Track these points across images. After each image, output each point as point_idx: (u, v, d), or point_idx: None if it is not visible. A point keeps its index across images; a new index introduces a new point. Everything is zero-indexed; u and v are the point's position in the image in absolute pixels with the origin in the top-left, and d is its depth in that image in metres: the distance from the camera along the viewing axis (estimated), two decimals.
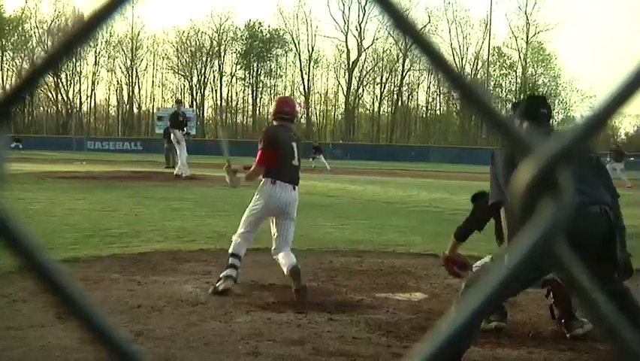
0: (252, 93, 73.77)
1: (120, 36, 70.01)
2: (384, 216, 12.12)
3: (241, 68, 72.39)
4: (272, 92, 72.58)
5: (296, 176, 6.23)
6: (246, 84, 73.83)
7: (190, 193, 15.09)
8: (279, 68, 73.60)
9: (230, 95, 74.18)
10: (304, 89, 72.56)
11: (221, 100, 72.75)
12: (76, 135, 53.98)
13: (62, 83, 70.03)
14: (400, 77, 70.58)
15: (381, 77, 71.75)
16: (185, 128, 19.96)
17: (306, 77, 72.70)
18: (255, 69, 72.51)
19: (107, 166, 25.24)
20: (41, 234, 8.64)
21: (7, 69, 69.43)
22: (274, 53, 72.21)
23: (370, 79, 72.29)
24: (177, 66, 71.45)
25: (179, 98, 23.16)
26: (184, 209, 11.96)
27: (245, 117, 75.79)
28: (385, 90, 72.35)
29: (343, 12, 72.37)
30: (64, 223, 9.61)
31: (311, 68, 72.69)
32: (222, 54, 71.17)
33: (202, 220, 10.42)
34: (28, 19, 69.83)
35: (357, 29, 70.83)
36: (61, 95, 70.91)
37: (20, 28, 68.86)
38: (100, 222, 9.80)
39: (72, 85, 71.93)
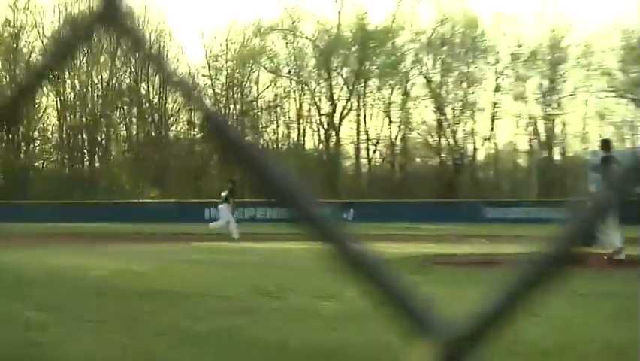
0: None
1: (535, 45, 70.61)
2: None
3: None
4: None
5: None
6: None
7: None
8: None
9: None
10: None
11: None
12: (466, 198, 56.78)
13: (448, 121, 72.67)
14: None
15: None
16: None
17: None
18: None
19: (515, 245, 25.21)
20: None
21: (373, 101, 75.08)
22: None
23: None
24: (619, 85, 68.88)
25: (608, 138, 22.24)
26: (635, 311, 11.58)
27: None
28: None
29: None
30: None
31: None
32: None
33: None
34: (401, 31, 73.84)
35: None
36: (447, 139, 73.04)
37: (390, 44, 73.58)
38: (521, 330, 10.07)
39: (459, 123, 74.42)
